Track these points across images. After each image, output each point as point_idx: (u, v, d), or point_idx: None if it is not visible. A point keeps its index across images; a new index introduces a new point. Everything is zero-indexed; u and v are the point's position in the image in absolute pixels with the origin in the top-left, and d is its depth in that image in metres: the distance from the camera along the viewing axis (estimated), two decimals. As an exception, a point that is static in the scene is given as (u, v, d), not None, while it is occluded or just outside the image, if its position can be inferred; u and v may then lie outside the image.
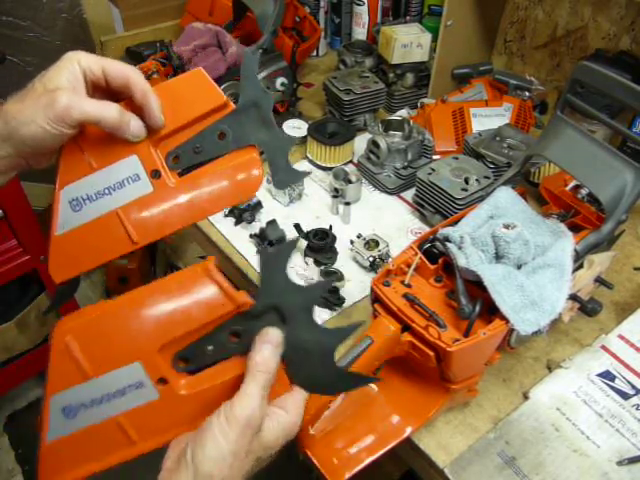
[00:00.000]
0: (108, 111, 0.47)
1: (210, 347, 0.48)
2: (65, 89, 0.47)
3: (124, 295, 0.48)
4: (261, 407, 0.45)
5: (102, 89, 0.49)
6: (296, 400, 0.49)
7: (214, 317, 0.47)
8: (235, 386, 0.46)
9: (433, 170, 0.97)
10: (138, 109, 0.49)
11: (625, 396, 0.74)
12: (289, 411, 0.48)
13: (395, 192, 1.08)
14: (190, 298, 0.46)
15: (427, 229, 0.99)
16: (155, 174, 0.50)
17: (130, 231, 0.50)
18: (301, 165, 1.15)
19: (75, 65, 0.48)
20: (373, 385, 0.71)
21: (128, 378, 0.46)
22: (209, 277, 0.46)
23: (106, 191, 0.50)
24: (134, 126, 0.48)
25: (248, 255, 0.95)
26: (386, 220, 1.03)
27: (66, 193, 0.49)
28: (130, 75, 0.48)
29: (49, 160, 0.51)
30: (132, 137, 0.48)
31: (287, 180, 0.56)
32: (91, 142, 0.49)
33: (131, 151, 0.49)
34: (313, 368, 0.49)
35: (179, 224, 0.51)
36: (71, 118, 0.46)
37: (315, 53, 1.52)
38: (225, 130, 0.52)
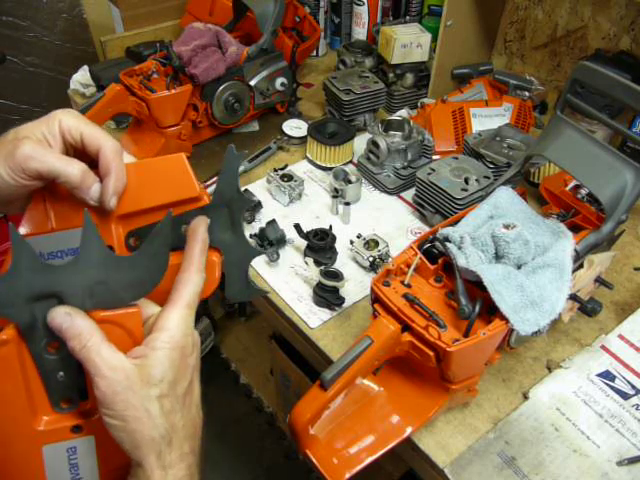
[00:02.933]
0: (70, 168, 0.44)
1: None
2: (32, 139, 0.45)
3: None
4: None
5: (81, 153, 0.48)
6: (175, 316, 0.46)
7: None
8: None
9: (433, 170, 0.97)
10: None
11: (625, 396, 0.74)
12: (169, 329, 0.45)
13: (395, 192, 1.08)
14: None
15: (427, 229, 0.99)
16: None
17: None
18: (301, 165, 1.15)
19: (55, 123, 0.46)
20: (374, 385, 0.71)
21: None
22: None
23: (58, 254, 0.48)
24: (95, 190, 0.46)
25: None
26: (386, 220, 1.03)
27: None
28: (102, 147, 0.46)
29: (18, 208, 0.48)
30: (91, 200, 0.46)
31: (240, 295, 0.54)
32: (57, 200, 0.48)
33: None
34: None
35: None
36: (29, 168, 0.44)
37: (315, 53, 1.52)
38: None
